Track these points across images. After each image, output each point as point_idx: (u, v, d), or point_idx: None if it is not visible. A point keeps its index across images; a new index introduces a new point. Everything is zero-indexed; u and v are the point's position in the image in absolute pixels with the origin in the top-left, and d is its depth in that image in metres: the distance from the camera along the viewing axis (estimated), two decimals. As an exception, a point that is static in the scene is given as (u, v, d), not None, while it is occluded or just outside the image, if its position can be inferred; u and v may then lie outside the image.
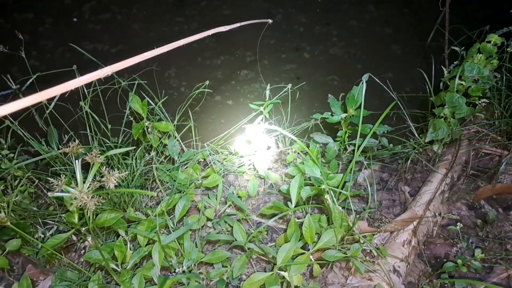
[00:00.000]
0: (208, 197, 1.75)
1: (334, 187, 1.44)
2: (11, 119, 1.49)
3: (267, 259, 1.56)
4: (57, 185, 0.92)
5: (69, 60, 2.84)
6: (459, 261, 1.35)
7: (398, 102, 1.95)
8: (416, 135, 1.98)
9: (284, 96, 1.92)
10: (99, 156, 0.96)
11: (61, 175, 0.91)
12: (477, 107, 1.74)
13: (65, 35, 3.05)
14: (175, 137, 1.83)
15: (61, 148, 1.00)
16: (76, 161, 0.95)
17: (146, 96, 1.78)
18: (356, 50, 2.96)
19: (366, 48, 2.98)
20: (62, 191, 0.94)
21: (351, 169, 1.42)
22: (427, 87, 1.93)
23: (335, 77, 2.79)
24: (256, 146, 1.89)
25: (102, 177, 0.93)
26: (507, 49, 1.66)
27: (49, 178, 0.94)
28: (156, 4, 3.34)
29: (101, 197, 0.94)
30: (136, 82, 1.83)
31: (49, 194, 0.93)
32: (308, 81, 2.64)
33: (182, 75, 2.77)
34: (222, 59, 2.91)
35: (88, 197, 0.90)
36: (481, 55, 1.59)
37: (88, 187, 0.94)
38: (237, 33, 3.09)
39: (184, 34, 3.08)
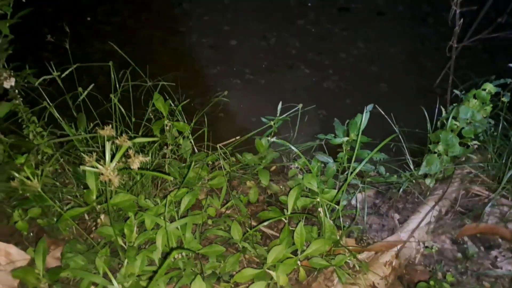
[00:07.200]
0: (212, 197, 1.89)
1: (327, 200, 1.57)
2: (49, 102, 1.66)
3: (259, 261, 1.68)
4: (89, 160, 1.07)
5: (81, 57, 3.21)
6: (432, 283, 1.47)
7: (399, 135, 2.09)
8: (412, 168, 2.11)
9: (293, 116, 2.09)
10: (127, 141, 1.11)
11: (91, 154, 1.07)
12: (469, 148, 1.87)
13: (78, 33, 3.32)
14: (189, 138, 1.99)
15: (94, 132, 1.15)
16: (107, 142, 1.10)
17: (168, 97, 1.95)
18: (347, 84, 3.17)
19: (358, 83, 3.21)
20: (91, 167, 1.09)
21: (345, 187, 1.56)
22: (427, 125, 2.07)
23: (323, 111, 3.00)
24: (263, 157, 2.04)
25: (127, 158, 1.08)
26: (502, 99, 1.81)
27: (83, 154, 1.10)
28: (163, 14, 3.60)
29: (123, 177, 1.09)
30: (160, 83, 2.01)
31: (81, 167, 1.08)
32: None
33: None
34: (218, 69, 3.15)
35: (114, 174, 1.05)
36: (476, 100, 1.74)
37: (114, 166, 1.10)
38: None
39: (184, 43, 3.36)
